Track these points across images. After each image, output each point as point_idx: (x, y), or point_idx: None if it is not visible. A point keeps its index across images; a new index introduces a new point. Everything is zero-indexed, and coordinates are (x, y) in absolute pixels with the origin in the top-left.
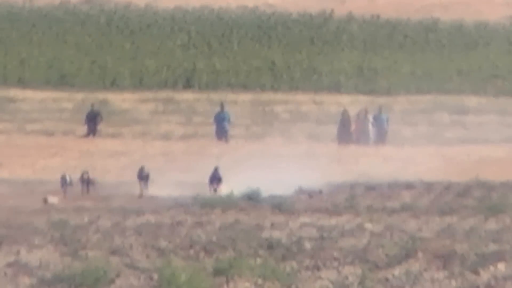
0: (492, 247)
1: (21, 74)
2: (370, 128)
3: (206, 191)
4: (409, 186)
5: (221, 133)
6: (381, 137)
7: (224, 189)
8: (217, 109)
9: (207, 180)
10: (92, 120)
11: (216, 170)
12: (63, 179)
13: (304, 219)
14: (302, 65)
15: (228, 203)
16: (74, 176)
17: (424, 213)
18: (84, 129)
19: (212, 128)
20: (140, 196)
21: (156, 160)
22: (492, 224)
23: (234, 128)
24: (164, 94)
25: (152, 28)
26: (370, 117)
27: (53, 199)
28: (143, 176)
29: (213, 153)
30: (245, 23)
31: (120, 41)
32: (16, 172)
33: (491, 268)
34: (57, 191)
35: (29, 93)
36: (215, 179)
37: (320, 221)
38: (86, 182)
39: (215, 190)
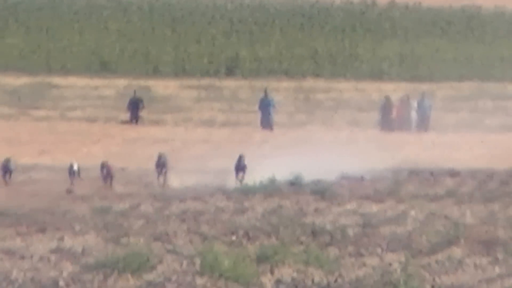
0: None
1: (63, 61)
2: (413, 114)
3: (248, 177)
4: (452, 173)
5: (266, 121)
6: (424, 124)
7: (251, 177)
8: (261, 95)
9: (249, 166)
10: (134, 107)
11: (240, 158)
12: (71, 167)
13: (347, 205)
14: (345, 52)
15: (270, 189)
16: (117, 163)
17: (467, 200)
18: (126, 116)
19: (255, 115)
20: (162, 185)
21: (198, 147)
22: None
23: (277, 115)
24: (206, 81)
25: (194, 15)
26: (414, 104)
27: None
28: (160, 164)
29: (255, 140)
30: (287, 10)
31: (162, 28)
32: (59, 159)
33: None
34: (99, 178)
35: (71, 80)
36: (240, 167)
37: (363, 208)
38: (106, 172)
39: (241, 181)
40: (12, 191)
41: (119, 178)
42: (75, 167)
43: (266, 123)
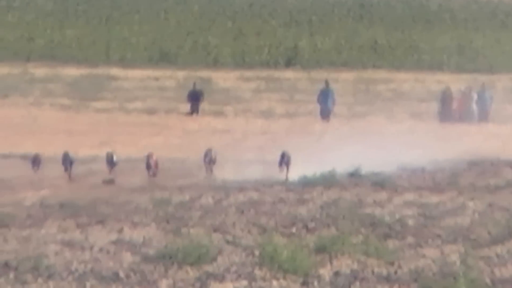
0: None
1: (123, 53)
2: (474, 106)
3: (308, 169)
4: None
5: (325, 111)
6: (484, 115)
7: (295, 173)
8: (320, 86)
9: (309, 157)
10: (195, 98)
11: (284, 154)
12: (109, 158)
13: (406, 196)
14: (404, 43)
15: (330, 180)
16: (177, 155)
17: None
18: (186, 107)
19: (314, 106)
20: (209, 178)
21: (258, 138)
22: None
23: (336, 106)
24: (266, 72)
25: (254, 6)
26: (475, 95)
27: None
28: (210, 160)
29: (315, 131)
30: (347, 2)
31: (222, 19)
32: (119, 150)
33: None
34: (159, 169)
35: (131, 72)
36: (284, 163)
37: (423, 199)
38: (151, 164)
39: (286, 172)
40: (72, 183)
41: (179, 169)
42: (114, 158)
43: (325, 114)
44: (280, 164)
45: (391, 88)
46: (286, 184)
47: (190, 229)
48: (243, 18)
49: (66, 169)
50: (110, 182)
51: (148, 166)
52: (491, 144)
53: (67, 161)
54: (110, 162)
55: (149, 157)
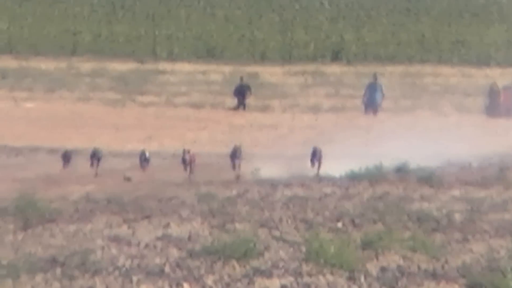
0: None
1: (169, 47)
2: None
3: (355, 163)
4: None
5: (372, 105)
6: None
7: (342, 167)
8: (367, 80)
9: (355, 152)
10: (241, 93)
11: (315, 150)
12: (142, 155)
13: (454, 191)
14: (451, 37)
15: (376, 175)
16: (223, 150)
17: None
18: (233, 102)
19: (360, 101)
20: (237, 177)
21: (305, 133)
22: None
23: (383, 101)
24: (312, 67)
25: (301, 1)
26: None
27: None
28: (236, 155)
29: (361, 125)
30: None
31: (269, 14)
32: (165, 145)
33: None
34: (205, 164)
35: (177, 66)
36: (315, 158)
37: (470, 194)
38: (188, 162)
39: (318, 168)
40: (117, 178)
41: (225, 164)
42: (147, 155)
43: (371, 106)
44: (312, 160)
45: (438, 82)
46: (317, 179)
47: (236, 224)
48: (289, 12)
49: (92, 164)
50: (128, 179)
51: (184, 162)
52: None
53: (95, 156)
54: (142, 159)
55: (184, 153)
